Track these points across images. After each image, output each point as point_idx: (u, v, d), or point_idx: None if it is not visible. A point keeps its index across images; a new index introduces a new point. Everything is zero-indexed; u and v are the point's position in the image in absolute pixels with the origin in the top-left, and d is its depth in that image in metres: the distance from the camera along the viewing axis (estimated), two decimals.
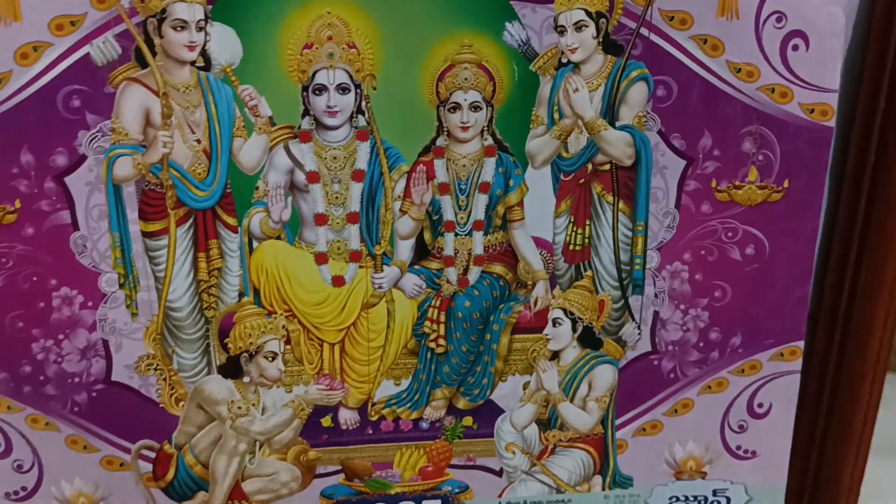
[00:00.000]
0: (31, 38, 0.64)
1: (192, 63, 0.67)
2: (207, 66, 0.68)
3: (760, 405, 0.80)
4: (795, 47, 0.69)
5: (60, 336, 0.71)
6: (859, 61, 0.74)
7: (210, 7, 0.66)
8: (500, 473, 0.81)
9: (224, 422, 0.76)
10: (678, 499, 0.83)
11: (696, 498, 0.83)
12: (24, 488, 0.76)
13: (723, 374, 0.79)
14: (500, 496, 0.81)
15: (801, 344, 0.78)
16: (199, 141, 0.69)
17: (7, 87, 0.65)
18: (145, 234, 0.70)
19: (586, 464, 0.81)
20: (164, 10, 0.65)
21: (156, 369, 0.74)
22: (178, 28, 0.66)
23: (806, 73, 0.69)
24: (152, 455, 0.76)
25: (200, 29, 0.66)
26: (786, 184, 0.73)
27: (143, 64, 0.66)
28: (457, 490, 0.81)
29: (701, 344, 0.78)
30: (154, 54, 0.66)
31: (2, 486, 0.76)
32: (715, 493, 0.83)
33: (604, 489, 0.82)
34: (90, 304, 0.71)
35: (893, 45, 0.71)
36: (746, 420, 0.80)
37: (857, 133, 0.74)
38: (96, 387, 0.73)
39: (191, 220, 0.71)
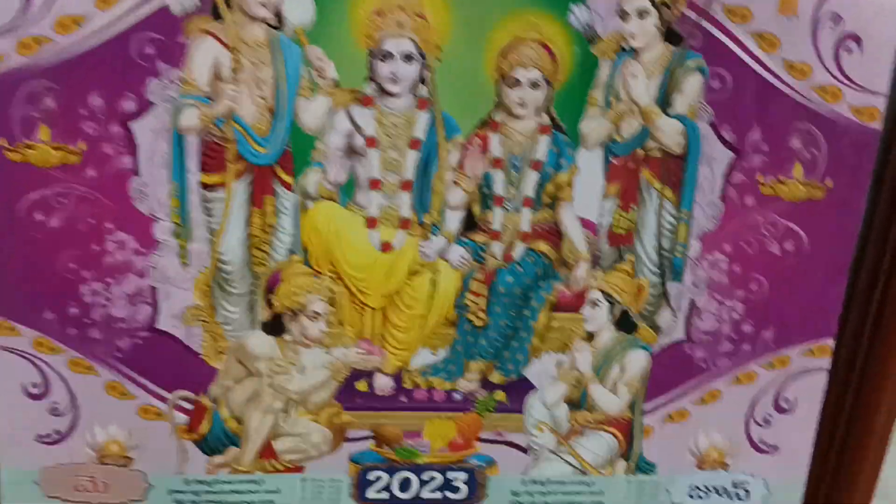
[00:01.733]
0: None
1: (265, 21, 0.68)
2: (280, 25, 0.68)
3: (787, 400, 0.81)
4: (849, 49, 0.70)
5: (110, 280, 0.71)
6: None
7: None
8: (526, 451, 0.81)
9: (262, 378, 0.76)
10: (699, 488, 0.83)
11: (716, 489, 0.83)
12: (57, 432, 0.76)
13: (752, 367, 0.79)
14: (524, 473, 0.82)
15: (831, 342, 0.79)
16: (264, 98, 0.70)
17: (83, 29, 0.65)
18: (204, 186, 0.71)
19: (612, 447, 0.81)
20: None
21: (201, 320, 0.74)
22: None
23: (857, 76, 0.71)
24: (188, 406, 0.76)
25: None
26: (829, 182, 0.74)
27: (217, 16, 0.67)
28: (483, 464, 0.81)
29: (734, 335, 0.78)
30: (230, 8, 0.67)
31: (35, 429, 0.75)
32: (735, 485, 0.83)
33: (627, 473, 0.82)
34: (143, 250, 0.71)
35: None
36: (772, 414, 0.81)
37: None
38: (141, 333, 0.73)
39: (249, 176, 0.71)
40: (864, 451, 0.83)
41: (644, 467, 0.82)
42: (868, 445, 0.82)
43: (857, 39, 0.70)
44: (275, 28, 0.68)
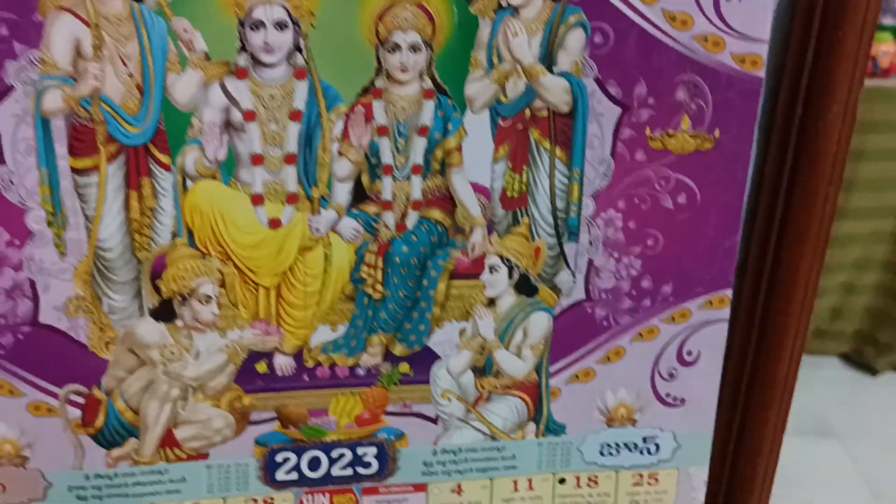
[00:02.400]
0: None
1: None
2: None
3: (690, 353, 0.80)
4: None
5: None
6: (789, 17, 0.74)
7: None
8: (435, 420, 0.80)
9: (156, 366, 0.73)
10: (609, 446, 0.83)
11: (626, 445, 0.83)
12: None
13: (654, 322, 0.79)
14: (435, 443, 0.80)
15: (729, 293, 0.79)
16: (131, 75, 0.66)
17: None
18: (75, 171, 0.67)
19: (520, 411, 0.80)
20: None
21: (85, 311, 0.71)
22: None
23: (738, 23, 0.70)
24: (81, 401, 0.73)
25: None
26: (717, 133, 0.73)
27: None
28: (392, 437, 0.79)
29: (633, 292, 0.78)
30: None
31: None
32: (645, 440, 0.83)
33: (537, 436, 0.81)
34: (16, 242, 0.68)
35: (821, 2, 0.72)
36: (676, 368, 0.81)
37: (785, 84, 0.75)
38: (22, 329, 0.70)
39: (122, 157, 0.68)
40: (770, 398, 0.83)
41: (554, 429, 0.82)
42: (773, 392, 0.83)
43: None
44: (136, 0, 0.65)
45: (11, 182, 0.66)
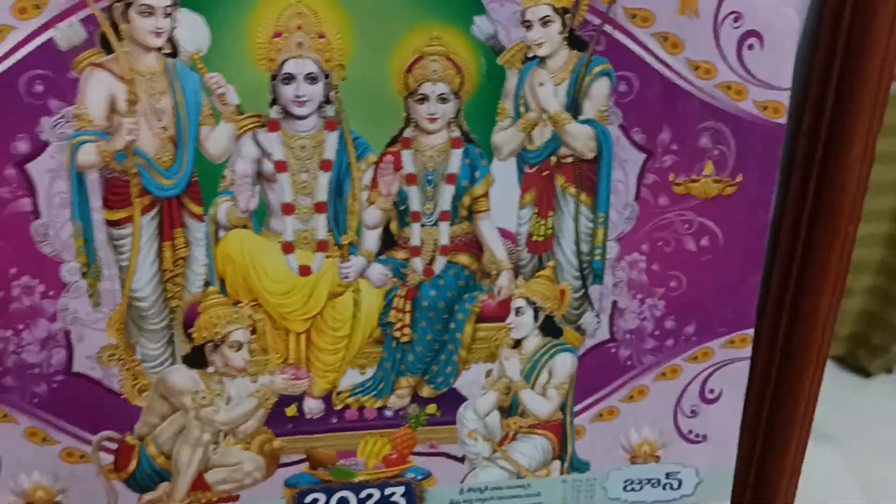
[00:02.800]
0: None
1: (159, 49, 0.65)
2: (174, 53, 0.65)
3: (712, 391, 0.81)
4: (751, 47, 0.70)
5: (20, 326, 0.68)
6: (808, 63, 0.75)
7: None
8: (462, 460, 0.80)
9: (188, 412, 0.73)
10: (633, 482, 0.84)
11: (650, 481, 0.84)
12: None
13: (677, 362, 0.80)
14: (461, 482, 0.81)
15: (751, 332, 0.79)
16: (164, 129, 0.67)
17: None
18: (109, 223, 0.68)
19: (545, 449, 0.81)
20: None
21: (118, 360, 0.71)
22: (145, 13, 0.63)
23: (760, 72, 0.71)
24: (114, 447, 0.74)
25: (167, 15, 0.64)
26: (739, 178, 0.74)
27: (108, 49, 0.64)
28: (420, 477, 0.80)
29: (657, 332, 0.78)
30: (120, 40, 0.64)
31: None
32: (668, 475, 0.84)
33: (562, 473, 0.82)
34: (51, 293, 0.68)
35: (840, 48, 0.73)
36: (698, 405, 0.82)
37: (805, 130, 0.76)
38: (57, 378, 0.70)
39: (156, 209, 0.69)
40: (789, 433, 0.84)
41: (578, 466, 0.82)
42: (792, 428, 0.84)
43: (759, 36, 0.70)
44: (170, 55, 0.65)
45: (47, 235, 0.67)
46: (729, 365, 0.80)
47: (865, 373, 2.18)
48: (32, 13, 0.62)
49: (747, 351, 0.80)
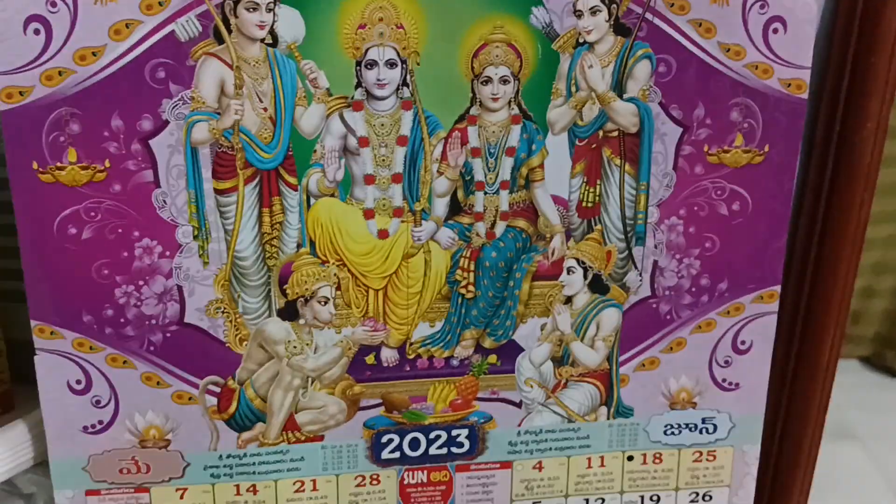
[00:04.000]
0: (123, 16, 0.70)
1: (262, 40, 0.74)
2: (275, 43, 0.74)
3: (743, 342, 0.89)
4: (776, 30, 0.78)
5: (140, 282, 0.77)
6: (828, 42, 0.83)
7: None
8: (519, 405, 0.88)
9: (281, 359, 0.82)
10: (672, 426, 0.91)
11: (687, 426, 0.92)
12: (100, 422, 0.81)
13: (711, 316, 0.87)
14: (519, 425, 0.89)
15: (778, 288, 0.87)
16: (265, 109, 0.76)
17: (101, 60, 0.71)
18: (217, 192, 0.77)
19: (594, 396, 0.89)
20: None
21: (223, 312, 0.80)
22: (251, 9, 0.73)
23: (784, 53, 0.79)
24: (217, 390, 0.82)
25: (270, 10, 0.73)
26: (766, 148, 0.82)
27: (219, 40, 0.73)
28: (482, 420, 0.88)
29: (693, 289, 0.86)
30: (230, 32, 0.73)
31: (80, 421, 0.81)
32: (704, 420, 0.92)
33: (608, 418, 0.90)
34: (167, 253, 0.77)
35: (856, 30, 0.81)
36: (731, 356, 0.89)
37: (825, 105, 0.84)
38: (170, 328, 0.79)
39: (257, 179, 0.78)
40: (813, 382, 0.91)
41: (623, 412, 0.90)
42: (816, 377, 0.91)
43: (783, 21, 0.78)
44: (270, 45, 0.75)
45: (165, 202, 0.76)
46: (758, 318, 0.88)
47: (891, 372, 2.21)
48: (157, 9, 0.71)
49: (775, 305, 0.88)
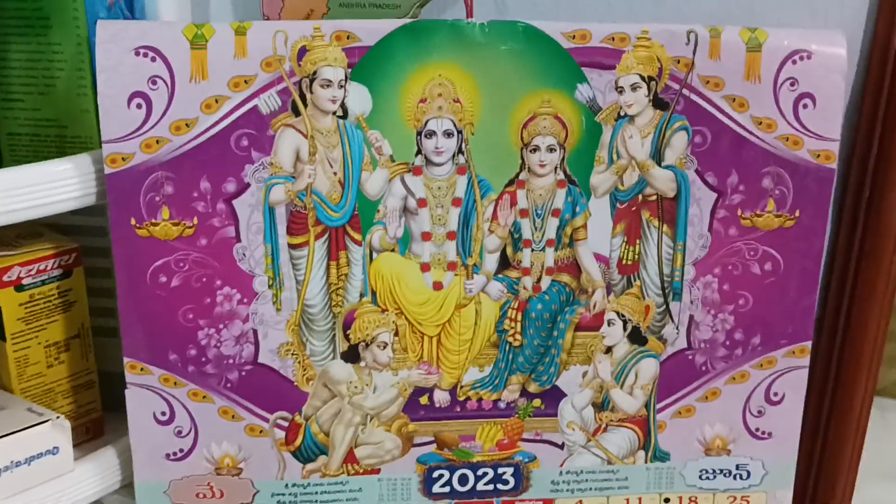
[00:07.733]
0: (214, 92, 0.77)
1: (334, 113, 0.80)
2: (345, 115, 0.80)
3: (776, 394, 0.90)
4: (805, 105, 0.81)
5: (221, 326, 0.83)
6: (856, 117, 0.86)
7: (349, 70, 0.79)
8: (561, 447, 0.91)
9: (343, 398, 0.87)
10: (707, 471, 0.93)
11: (722, 471, 0.93)
12: (181, 450, 0.87)
13: (745, 368, 0.90)
14: (561, 466, 0.92)
15: (809, 343, 0.89)
16: (335, 173, 0.82)
17: (193, 130, 0.78)
18: (290, 246, 0.83)
19: (632, 440, 0.92)
20: (314, 73, 0.78)
21: (293, 354, 0.85)
22: (325, 86, 0.79)
23: (813, 126, 0.81)
24: (285, 424, 0.88)
25: (341, 87, 0.79)
26: (797, 213, 0.84)
27: (296, 113, 0.79)
28: (527, 460, 0.91)
29: (727, 342, 0.89)
30: (305, 106, 0.79)
31: (164, 448, 0.87)
32: (738, 467, 0.93)
33: (646, 462, 0.92)
34: (245, 300, 0.83)
35: (883, 105, 0.83)
36: (764, 406, 0.91)
37: (854, 174, 0.86)
38: (246, 367, 0.85)
39: (326, 235, 0.83)
40: (845, 431, 0.93)
41: (660, 456, 0.92)
42: (848, 427, 0.92)
43: (812, 97, 0.81)
44: (341, 117, 0.81)
45: (244, 255, 0.82)
46: (790, 372, 0.90)
47: None
48: (243, 87, 0.78)
49: (806, 360, 0.89)
